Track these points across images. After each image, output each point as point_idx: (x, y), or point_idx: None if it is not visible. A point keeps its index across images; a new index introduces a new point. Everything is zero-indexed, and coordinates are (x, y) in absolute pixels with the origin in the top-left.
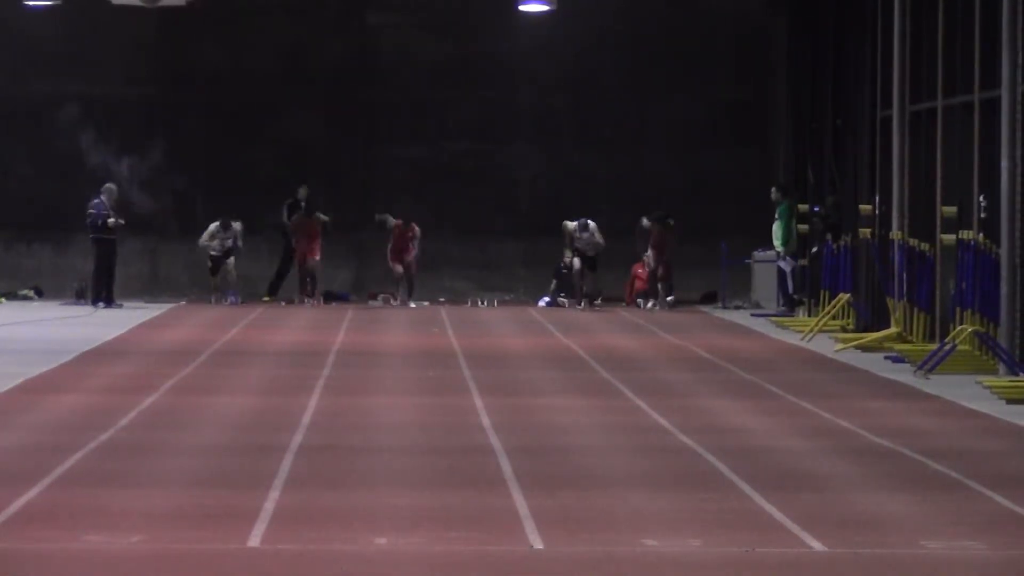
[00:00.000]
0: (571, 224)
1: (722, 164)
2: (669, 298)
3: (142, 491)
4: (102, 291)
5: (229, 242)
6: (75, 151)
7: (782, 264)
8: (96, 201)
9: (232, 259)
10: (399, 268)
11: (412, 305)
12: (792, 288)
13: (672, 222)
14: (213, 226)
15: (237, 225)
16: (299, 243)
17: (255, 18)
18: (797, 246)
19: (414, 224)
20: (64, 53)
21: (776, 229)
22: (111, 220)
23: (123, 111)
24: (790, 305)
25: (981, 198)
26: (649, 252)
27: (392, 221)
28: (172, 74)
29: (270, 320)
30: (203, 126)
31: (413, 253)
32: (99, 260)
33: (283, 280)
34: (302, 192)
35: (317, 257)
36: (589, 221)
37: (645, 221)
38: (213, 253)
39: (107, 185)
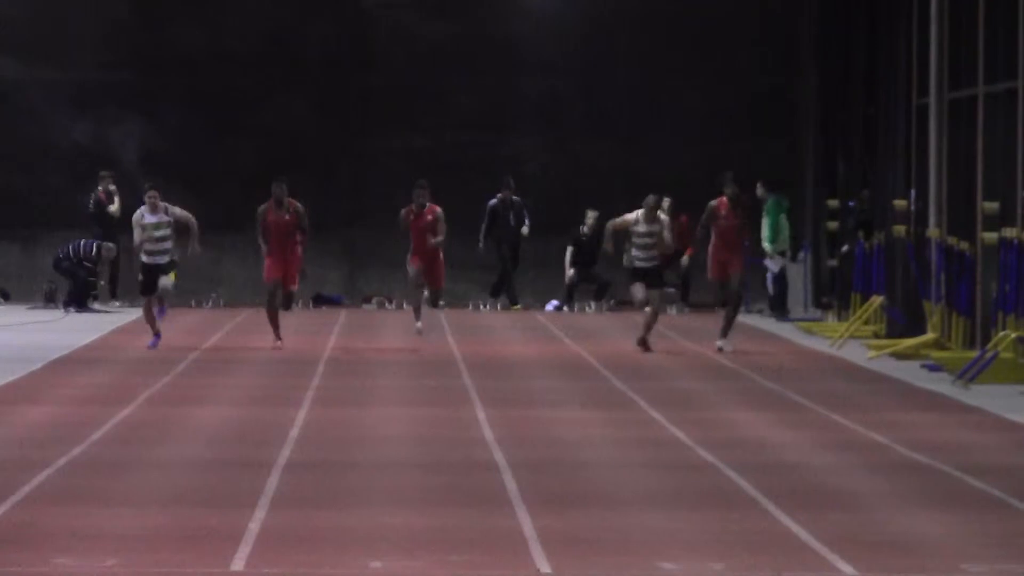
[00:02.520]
0: (629, 216)
1: (744, 156)
2: (719, 344)
3: (117, 510)
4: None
5: (164, 235)
6: (45, 141)
7: (769, 264)
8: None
9: (167, 279)
10: (413, 269)
11: (418, 324)
12: (773, 292)
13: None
14: (136, 213)
15: (177, 210)
16: (271, 251)
17: (233, 5)
18: (787, 245)
19: (433, 206)
20: (33, 35)
21: (766, 224)
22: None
23: (96, 97)
24: (778, 311)
25: None
26: (711, 243)
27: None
28: (148, 58)
29: (255, 325)
30: (181, 114)
31: (436, 241)
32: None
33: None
34: (275, 190)
35: (293, 288)
36: (661, 213)
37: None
38: (145, 259)
39: (103, 173)
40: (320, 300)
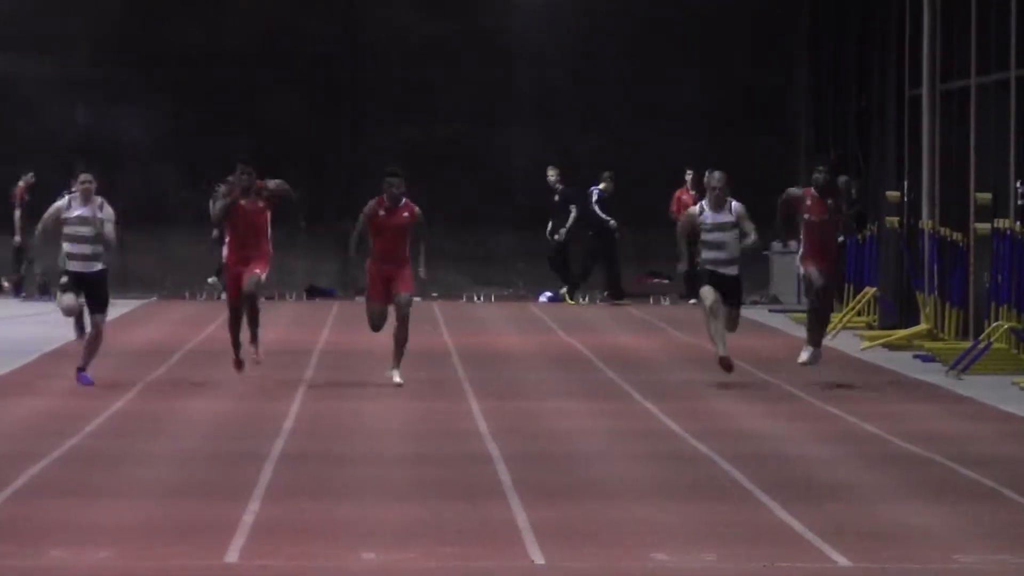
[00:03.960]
0: (693, 208)
1: (739, 150)
2: (803, 356)
3: (111, 503)
4: None
5: (91, 236)
6: (42, 134)
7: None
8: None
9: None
10: (375, 307)
11: (397, 380)
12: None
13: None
14: (60, 201)
15: (108, 211)
16: (233, 251)
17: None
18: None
19: (410, 203)
20: (25, 29)
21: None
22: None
23: (90, 92)
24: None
25: (1019, 184)
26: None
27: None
28: (141, 53)
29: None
30: (174, 109)
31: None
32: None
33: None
34: (238, 176)
35: (259, 271)
36: (733, 201)
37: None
38: (75, 267)
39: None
40: (313, 292)
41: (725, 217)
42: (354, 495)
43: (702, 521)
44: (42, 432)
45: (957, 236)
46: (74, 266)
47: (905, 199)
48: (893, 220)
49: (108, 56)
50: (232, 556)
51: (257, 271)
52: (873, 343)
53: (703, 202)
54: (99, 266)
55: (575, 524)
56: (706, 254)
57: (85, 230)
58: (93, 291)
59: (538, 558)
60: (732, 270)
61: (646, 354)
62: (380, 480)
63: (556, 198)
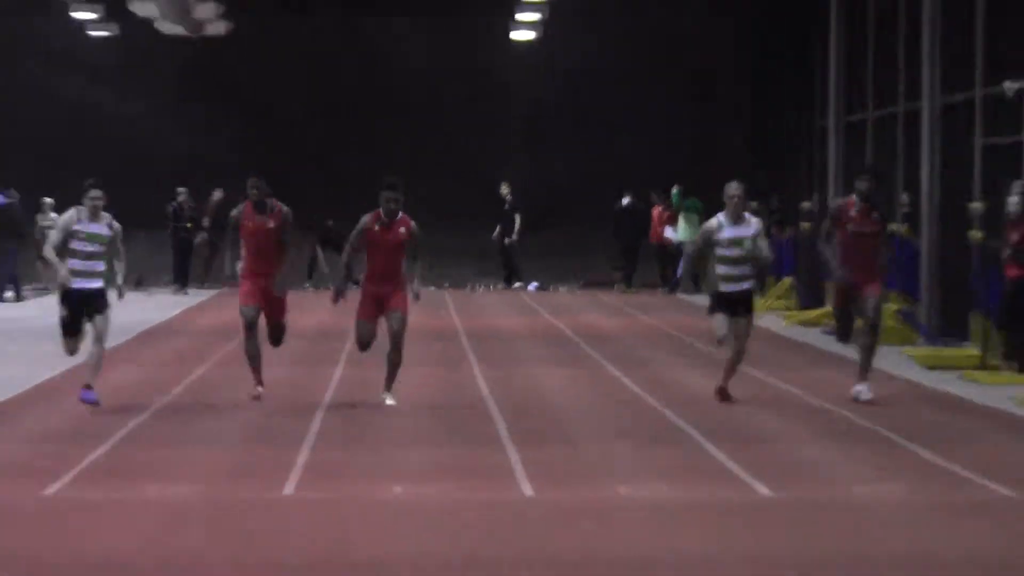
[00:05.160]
0: (711, 222)
1: (689, 170)
2: (858, 389)
3: (193, 448)
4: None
5: (98, 252)
6: (144, 159)
7: (680, 243)
8: (175, 203)
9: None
10: (365, 325)
11: (390, 402)
12: (680, 271)
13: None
14: (68, 214)
15: (117, 227)
16: (248, 269)
17: (279, 47)
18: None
19: (407, 218)
20: (121, 76)
21: (682, 222)
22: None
23: (172, 126)
24: (673, 287)
25: (904, 196)
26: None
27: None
28: (213, 93)
29: (297, 304)
30: (239, 137)
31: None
32: (178, 252)
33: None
34: (251, 188)
35: (284, 317)
36: (750, 215)
37: (838, 201)
38: (77, 284)
39: (180, 189)
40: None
41: (744, 231)
42: (384, 442)
43: (655, 460)
44: (140, 393)
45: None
46: (78, 282)
47: (814, 209)
48: (806, 225)
49: (186, 97)
50: (289, 489)
51: (281, 318)
52: (792, 321)
53: (720, 215)
54: (100, 283)
55: (557, 463)
56: (721, 270)
57: (91, 246)
58: (93, 305)
59: (528, 491)
60: (748, 284)
61: (614, 333)
62: (404, 430)
63: (506, 207)
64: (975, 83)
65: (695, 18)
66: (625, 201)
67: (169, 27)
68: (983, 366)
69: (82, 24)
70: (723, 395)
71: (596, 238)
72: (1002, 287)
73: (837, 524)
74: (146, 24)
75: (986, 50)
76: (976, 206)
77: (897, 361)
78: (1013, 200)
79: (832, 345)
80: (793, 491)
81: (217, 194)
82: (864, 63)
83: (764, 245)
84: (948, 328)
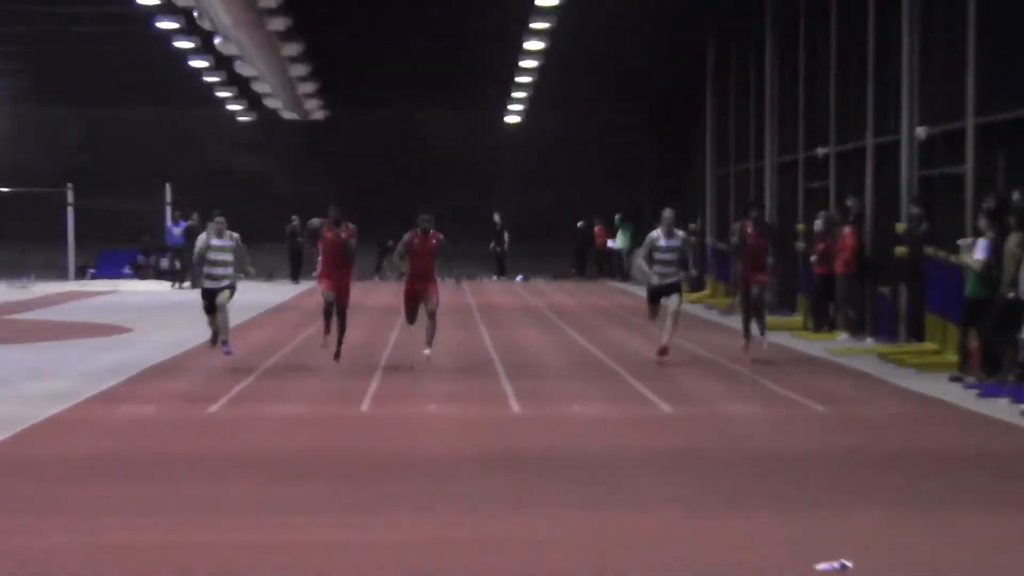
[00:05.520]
0: (653, 233)
1: (612, 201)
2: (762, 343)
3: (302, 381)
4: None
5: (225, 260)
6: (273, 198)
7: (623, 251)
8: (291, 226)
9: (226, 295)
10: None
11: (426, 352)
12: (625, 267)
13: (763, 218)
14: (202, 236)
15: (237, 236)
16: (325, 268)
17: (357, 126)
18: (630, 246)
19: (436, 232)
20: (258, 145)
21: (621, 237)
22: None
23: (289, 177)
24: (624, 277)
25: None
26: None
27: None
28: (315, 156)
29: (369, 290)
30: (330, 184)
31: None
32: (292, 258)
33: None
34: (332, 212)
35: (346, 300)
36: (679, 231)
37: (735, 224)
38: (208, 285)
39: (294, 217)
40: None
41: (674, 242)
42: (422, 378)
43: (598, 390)
44: (268, 347)
45: (723, 245)
46: (209, 284)
47: (698, 228)
48: (691, 238)
49: (299, 164)
50: (364, 407)
51: (346, 293)
52: (685, 300)
53: (658, 230)
54: (225, 283)
55: (534, 391)
56: (656, 268)
57: (221, 256)
58: (218, 293)
59: (516, 409)
60: (674, 279)
61: (571, 309)
62: (436, 370)
63: (497, 228)
64: (799, 148)
65: (620, 106)
66: (579, 224)
67: (288, 114)
68: (804, 328)
69: (234, 113)
70: (664, 352)
71: (560, 247)
72: (813, 279)
73: (714, 429)
74: (274, 112)
75: (806, 126)
76: (800, 227)
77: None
78: (818, 223)
79: (710, 315)
80: (686, 409)
81: (315, 221)
82: (727, 135)
83: (687, 249)
84: (783, 305)
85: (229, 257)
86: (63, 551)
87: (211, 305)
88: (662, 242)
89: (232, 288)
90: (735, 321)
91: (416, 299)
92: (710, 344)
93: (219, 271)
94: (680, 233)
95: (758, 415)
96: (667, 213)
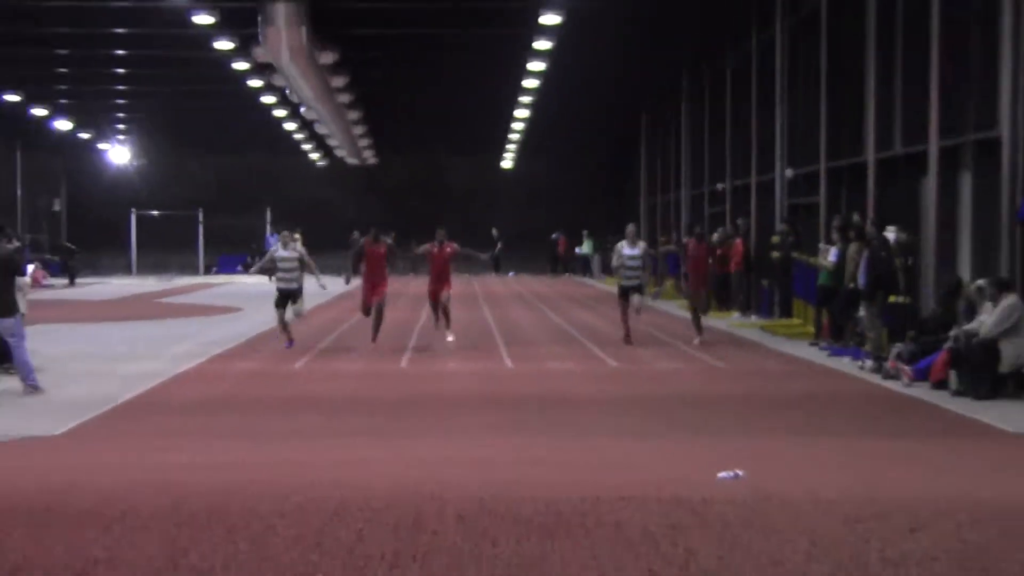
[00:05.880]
0: (619, 244)
1: (583, 219)
2: (696, 341)
3: (360, 345)
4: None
5: (291, 267)
6: (338, 219)
7: (588, 256)
8: (352, 238)
9: (299, 306)
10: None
11: (450, 338)
12: (594, 271)
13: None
14: (271, 248)
15: (297, 246)
16: (366, 276)
17: (396, 166)
18: (594, 253)
19: (451, 242)
20: (328, 183)
21: (587, 245)
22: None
23: (351, 203)
24: (590, 275)
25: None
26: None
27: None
28: (369, 189)
29: (405, 283)
30: (380, 208)
31: (448, 292)
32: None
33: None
34: (372, 231)
35: (383, 294)
36: (641, 241)
37: (684, 239)
38: (280, 286)
39: (355, 232)
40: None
41: (637, 251)
42: (443, 345)
43: (567, 352)
44: (334, 323)
45: (664, 249)
46: (280, 285)
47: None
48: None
49: (360, 188)
50: (403, 365)
51: (382, 293)
52: (610, 284)
53: (624, 242)
54: (294, 286)
55: (522, 351)
56: (624, 272)
57: (286, 264)
58: (292, 297)
59: (509, 364)
60: (637, 281)
61: (548, 295)
62: (455, 339)
63: (494, 238)
64: (704, 184)
65: (582, 153)
66: (552, 236)
67: (350, 160)
68: (712, 309)
69: (314, 160)
70: (628, 339)
71: (540, 252)
72: (715, 275)
73: (648, 380)
74: (341, 159)
75: (710, 168)
76: (713, 240)
77: (670, 307)
78: (715, 236)
79: (672, 308)
80: (628, 365)
81: (358, 236)
82: (655, 174)
83: (647, 257)
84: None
85: (294, 264)
86: (202, 465)
87: (282, 300)
88: (627, 251)
89: (298, 294)
90: (665, 305)
91: (437, 296)
92: (654, 324)
93: (286, 275)
94: (642, 244)
95: (680, 370)
96: (630, 228)
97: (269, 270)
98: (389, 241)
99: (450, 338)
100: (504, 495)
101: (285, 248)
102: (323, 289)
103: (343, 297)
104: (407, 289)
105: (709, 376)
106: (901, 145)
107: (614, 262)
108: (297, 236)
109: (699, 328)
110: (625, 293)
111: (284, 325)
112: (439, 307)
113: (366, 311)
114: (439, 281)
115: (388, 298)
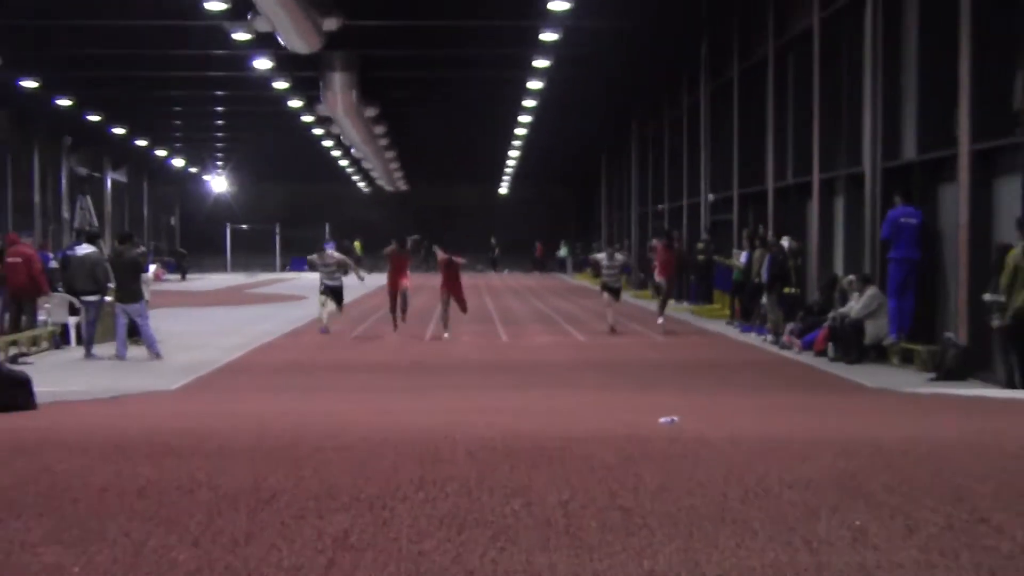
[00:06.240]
0: (600, 255)
1: (560, 232)
2: (660, 320)
3: (389, 329)
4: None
5: (333, 270)
6: (377, 231)
7: (565, 258)
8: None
9: (334, 305)
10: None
11: (446, 335)
12: (568, 269)
13: (676, 242)
14: (318, 253)
15: (334, 253)
16: (391, 274)
17: (420, 192)
18: (570, 255)
19: (457, 254)
20: (370, 204)
21: (564, 250)
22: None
23: (386, 217)
24: (564, 271)
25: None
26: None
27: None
28: (399, 207)
29: (425, 278)
30: (408, 222)
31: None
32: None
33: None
34: (397, 240)
35: (407, 283)
36: (618, 253)
37: (653, 241)
38: (327, 282)
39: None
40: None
41: (615, 261)
42: (456, 325)
43: (548, 330)
44: (371, 309)
45: (619, 256)
46: (326, 282)
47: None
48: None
49: (394, 208)
50: (426, 338)
51: (406, 284)
52: (581, 279)
53: (603, 252)
54: (338, 283)
55: (515, 330)
56: (604, 275)
57: (326, 269)
58: (335, 295)
59: (504, 338)
60: (617, 284)
61: (533, 288)
62: (462, 320)
63: (492, 245)
64: (649, 204)
65: (559, 181)
66: (536, 243)
67: (387, 186)
68: (653, 298)
69: (360, 187)
70: (613, 331)
71: (527, 256)
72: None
73: (607, 349)
74: (380, 187)
75: (652, 192)
76: (649, 254)
77: (625, 296)
78: (651, 244)
79: (635, 301)
80: (596, 340)
81: (389, 248)
82: (612, 196)
83: (626, 264)
84: (641, 287)
85: (333, 269)
86: (277, 411)
87: (327, 289)
88: (605, 261)
89: (339, 290)
90: (632, 299)
91: (447, 295)
92: (623, 312)
93: (329, 275)
94: (619, 256)
95: (630, 342)
96: (608, 249)
97: (316, 268)
98: (409, 248)
99: (446, 335)
100: (501, 435)
101: (321, 257)
102: (361, 280)
103: (381, 291)
104: (429, 282)
105: (653, 347)
106: (792, 177)
107: (603, 264)
108: (357, 243)
109: (662, 311)
110: (606, 287)
111: (324, 312)
112: (448, 303)
113: (393, 305)
114: (449, 284)
115: (411, 290)
